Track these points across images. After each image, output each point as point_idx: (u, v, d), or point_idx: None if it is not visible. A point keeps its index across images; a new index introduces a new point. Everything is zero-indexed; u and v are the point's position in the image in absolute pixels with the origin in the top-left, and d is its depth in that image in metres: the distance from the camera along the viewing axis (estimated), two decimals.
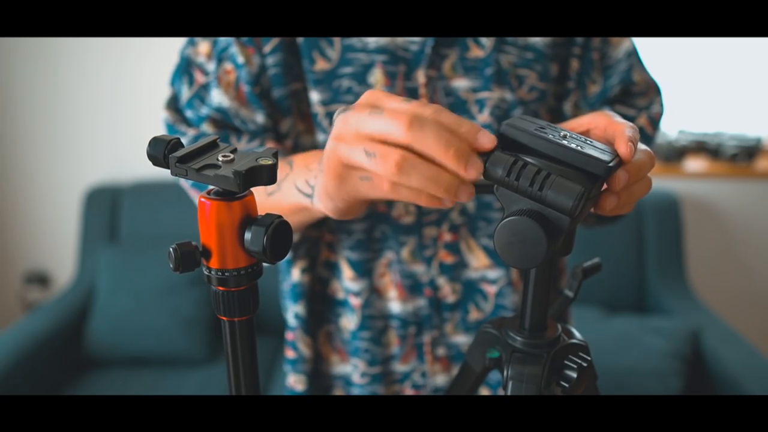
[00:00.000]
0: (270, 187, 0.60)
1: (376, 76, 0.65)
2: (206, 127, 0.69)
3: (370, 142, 0.41)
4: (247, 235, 0.37)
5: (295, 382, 0.76)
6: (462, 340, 0.73)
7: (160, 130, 1.89)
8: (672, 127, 2.20)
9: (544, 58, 0.67)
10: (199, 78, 0.70)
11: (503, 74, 0.66)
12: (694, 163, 2.10)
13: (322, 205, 0.51)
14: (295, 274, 0.74)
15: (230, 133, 0.70)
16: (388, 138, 0.41)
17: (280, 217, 0.38)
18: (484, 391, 0.75)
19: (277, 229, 0.37)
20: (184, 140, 0.65)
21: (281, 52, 0.66)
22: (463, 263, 0.71)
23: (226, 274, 0.38)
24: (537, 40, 0.67)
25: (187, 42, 0.71)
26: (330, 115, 0.67)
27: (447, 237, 0.70)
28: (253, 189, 0.61)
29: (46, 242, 2.36)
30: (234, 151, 0.38)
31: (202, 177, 0.36)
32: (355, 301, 0.72)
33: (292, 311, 0.75)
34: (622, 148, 0.42)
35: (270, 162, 0.36)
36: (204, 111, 0.69)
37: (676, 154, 2.08)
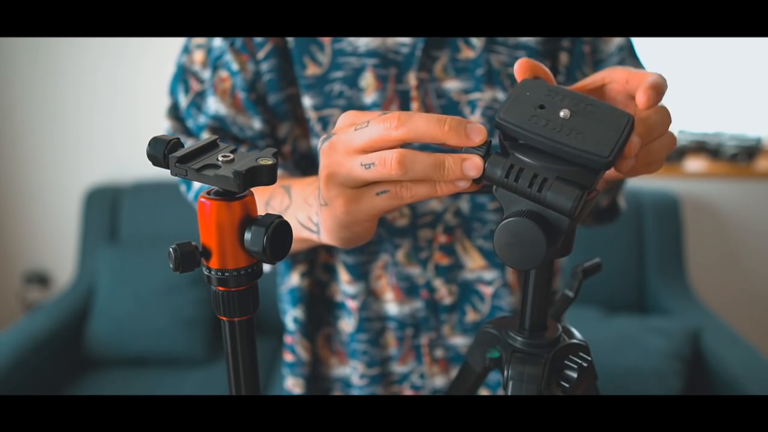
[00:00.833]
0: None
1: (367, 79, 0.65)
2: (205, 136, 0.69)
3: (363, 155, 0.41)
4: (247, 235, 0.37)
5: (293, 385, 0.77)
6: (460, 341, 0.73)
7: (161, 131, 1.89)
8: (672, 127, 2.19)
9: (535, 54, 0.67)
10: (195, 86, 0.70)
11: (494, 74, 0.66)
12: (694, 163, 2.10)
13: (331, 241, 0.50)
14: (294, 279, 0.74)
15: (229, 142, 0.70)
16: (384, 139, 0.40)
17: (280, 217, 0.38)
18: (483, 392, 0.75)
19: (277, 229, 0.37)
20: None
21: (275, 58, 0.66)
22: (458, 264, 0.71)
23: (226, 274, 0.38)
24: (527, 38, 0.67)
25: (181, 51, 0.72)
26: (322, 120, 0.67)
27: (442, 239, 0.70)
28: None
29: (46, 242, 2.36)
30: (234, 151, 0.38)
31: (202, 177, 0.36)
32: (352, 304, 0.72)
33: (291, 315, 0.75)
34: (640, 96, 0.42)
35: (270, 162, 0.36)
36: (202, 120, 0.70)
37: (676, 154, 2.08)
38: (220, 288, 0.38)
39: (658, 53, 2.10)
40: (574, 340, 0.48)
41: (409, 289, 0.72)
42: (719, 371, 1.60)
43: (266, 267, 0.74)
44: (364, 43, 0.65)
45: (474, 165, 0.40)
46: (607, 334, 1.76)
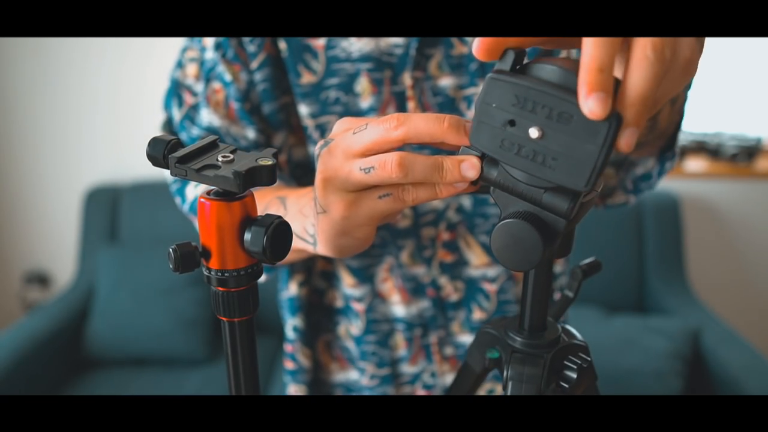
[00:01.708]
0: None
1: (363, 84, 0.65)
2: None
3: (362, 159, 0.41)
4: (247, 236, 0.37)
5: (295, 392, 0.77)
6: (468, 339, 0.74)
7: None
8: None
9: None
10: (188, 99, 0.70)
11: (487, 67, 0.66)
12: (694, 163, 2.10)
13: (328, 251, 0.50)
14: (293, 288, 0.75)
15: None
16: (384, 140, 0.40)
17: (279, 217, 0.38)
18: (498, 388, 0.75)
19: (276, 229, 0.37)
20: None
21: (268, 68, 0.66)
22: (462, 261, 0.71)
23: (226, 274, 0.38)
24: None
25: (175, 65, 0.72)
26: (320, 127, 0.67)
27: (445, 236, 0.70)
28: None
29: (46, 242, 2.36)
30: (234, 151, 0.38)
31: (201, 177, 0.36)
32: (358, 307, 0.72)
33: (291, 324, 0.76)
34: (582, 91, 0.31)
35: (270, 162, 0.36)
36: (195, 132, 0.70)
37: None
38: (220, 288, 0.38)
39: None
40: (574, 341, 0.48)
41: (415, 290, 0.72)
42: (719, 371, 1.60)
43: (261, 278, 0.73)
44: (357, 48, 0.65)
45: (472, 166, 0.39)
46: (607, 334, 1.76)
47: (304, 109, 0.67)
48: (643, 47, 0.32)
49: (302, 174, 0.71)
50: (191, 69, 0.70)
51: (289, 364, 0.77)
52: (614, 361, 1.67)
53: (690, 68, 0.35)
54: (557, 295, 0.80)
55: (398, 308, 0.72)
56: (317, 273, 0.75)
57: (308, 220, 0.52)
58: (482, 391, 0.76)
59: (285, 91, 0.68)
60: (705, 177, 2.13)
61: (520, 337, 0.47)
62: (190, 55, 0.70)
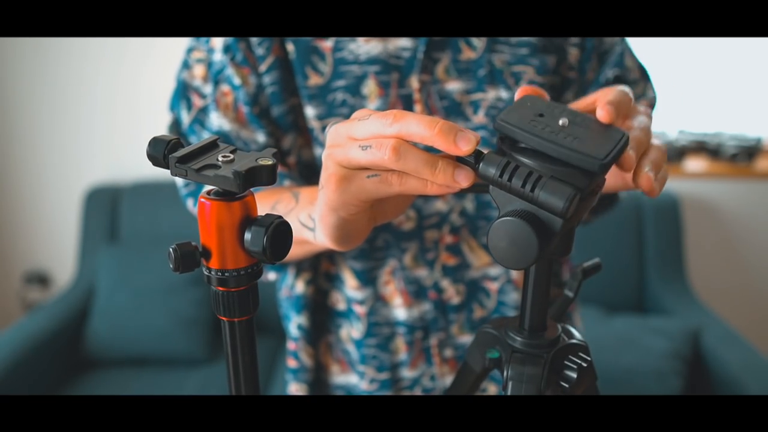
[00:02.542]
0: None
1: (370, 87, 0.65)
2: None
3: (363, 140, 0.42)
4: (247, 236, 0.37)
5: (296, 391, 0.77)
6: (468, 340, 0.73)
7: (160, 131, 1.89)
8: (672, 127, 2.20)
9: (538, 51, 0.67)
10: (197, 101, 0.70)
11: (496, 74, 0.66)
12: (694, 163, 2.10)
13: (324, 232, 0.51)
14: (300, 286, 0.74)
15: None
16: (379, 134, 0.42)
17: (280, 217, 0.38)
18: (492, 388, 0.75)
19: (277, 229, 0.37)
20: None
21: (277, 70, 0.66)
22: (465, 264, 0.71)
23: (226, 274, 0.38)
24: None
25: (181, 66, 0.72)
26: (326, 129, 0.67)
27: (448, 239, 0.70)
28: None
29: (46, 242, 2.36)
30: (234, 151, 0.38)
31: (201, 177, 0.36)
32: (360, 310, 0.72)
33: (296, 322, 0.76)
34: (599, 111, 0.43)
35: (270, 162, 0.36)
36: (205, 136, 0.70)
37: (676, 154, 2.08)
38: (220, 288, 0.38)
39: (658, 53, 2.10)
40: (574, 341, 0.48)
41: (417, 292, 0.72)
42: (719, 371, 1.60)
43: (271, 275, 0.74)
44: (365, 50, 0.65)
45: (466, 176, 0.40)
46: (607, 334, 1.76)
47: (310, 111, 0.67)
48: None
49: (311, 175, 0.71)
50: (198, 70, 0.70)
51: (291, 363, 0.77)
52: (614, 361, 1.67)
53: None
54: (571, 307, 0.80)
55: (400, 311, 0.72)
56: (322, 273, 0.75)
57: (314, 207, 0.53)
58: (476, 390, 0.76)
59: (293, 93, 0.68)
60: (705, 177, 2.13)
61: (520, 337, 0.47)
62: (196, 56, 0.70)
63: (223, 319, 0.39)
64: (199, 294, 1.92)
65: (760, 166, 2.07)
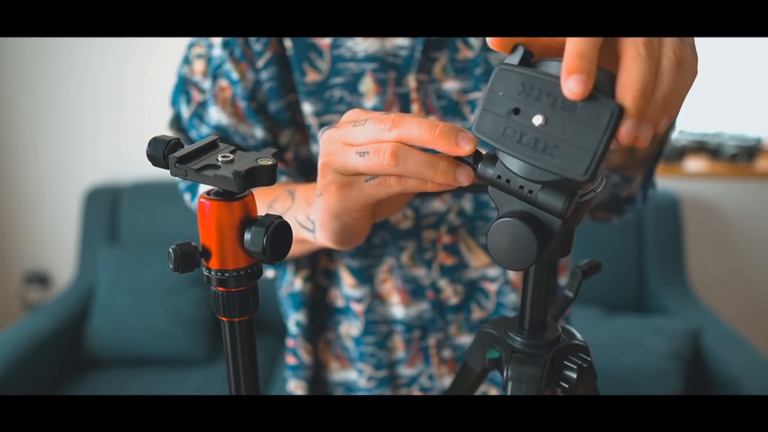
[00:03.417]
0: None
1: (367, 84, 0.65)
2: None
3: (360, 146, 0.42)
4: (247, 236, 0.37)
5: (295, 388, 0.77)
6: (467, 341, 0.73)
7: (161, 131, 1.89)
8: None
9: None
10: (196, 96, 0.70)
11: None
12: (694, 163, 2.10)
13: (325, 236, 0.51)
14: (298, 283, 0.75)
15: None
16: (377, 140, 0.41)
17: (279, 217, 0.38)
18: (492, 391, 0.75)
19: (276, 229, 0.37)
20: None
21: (275, 66, 0.67)
22: (463, 264, 0.71)
23: (226, 274, 0.38)
24: None
25: (181, 61, 0.72)
26: (323, 126, 0.67)
27: (446, 239, 0.70)
28: None
29: (46, 242, 2.36)
30: (233, 151, 0.38)
31: (201, 177, 0.36)
32: (357, 307, 0.72)
33: (294, 319, 0.76)
34: (567, 84, 0.33)
35: (270, 162, 0.36)
36: (204, 130, 0.70)
37: (676, 154, 2.08)
38: (220, 288, 0.38)
39: None
40: (574, 341, 0.48)
41: (414, 291, 0.72)
42: (719, 371, 1.60)
43: (269, 272, 0.74)
44: (362, 48, 0.65)
45: (467, 175, 0.40)
46: (607, 334, 1.76)
47: (307, 108, 0.67)
48: (633, 44, 0.34)
49: (308, 171, 0.72)
50: (198, 65, 0.70)
51: (290, 359, 0.77)
52: (614, 361, 1.67)
53: (684, 67, 0.36)
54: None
55: (397, 309, 0.72)
56: (320, 271, 0.75)
57: (312, 208, 0.53)
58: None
59: (291, 89, 0.68)
60: (705, 177, 2.13)
61: (520, 337, 0.47)
62: (197, 52, 0.71)
63: (223, 319, 0.39)
64: (199, 294, 1.92)
65: (760, 166, 2.07)
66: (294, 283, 0.75)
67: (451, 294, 0.72)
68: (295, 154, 0.71)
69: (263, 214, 0.38)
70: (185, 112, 0.71)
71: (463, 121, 0.67)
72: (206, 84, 0.70)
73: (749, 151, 2.05)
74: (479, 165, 0.40)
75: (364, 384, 0.74)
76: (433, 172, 0.40)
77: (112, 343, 1.86)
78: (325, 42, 0.65)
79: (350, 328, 0.74)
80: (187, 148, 0.37)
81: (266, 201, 0.61)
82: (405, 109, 0.66)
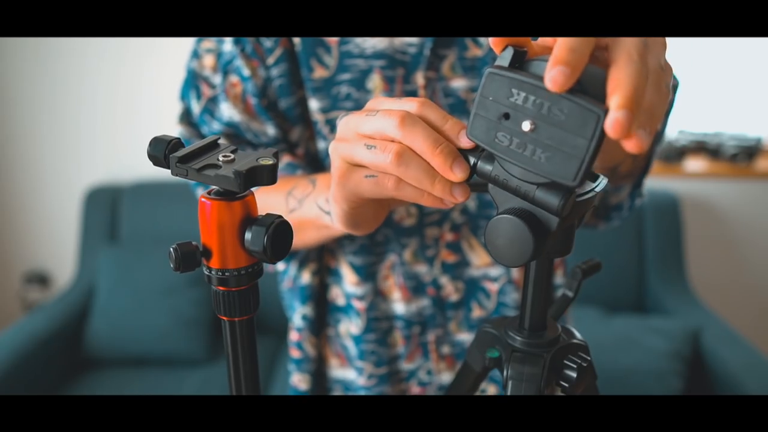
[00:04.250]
0: (292, 204, 0.61)
1: (375, 81, 0.65)
2: (222, 143, 0.69)
3: (370, 139, 0.42)
4: (248, 235, 0.37)
5: (299, 381, 0.77)
6: (466, 338, 0.74)
7: (161, 131, 1.89)
8: (672, 127, 2.20)
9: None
10: (206, 91, 0.70)
11: None
12: (694, 163, 2.10)
13: (335, 217, 0.51)
14: (306, 277, 0.75)
15: (245, 147, 0.70)
16: (384, 135, 0.42)
17: (280, 217, 0.38)
18: (491, 388, 0.75)
19: (277, 228, 0.37)
20: None
21: (285, 62, 0.66)
22: (464, 262, 0.72)
23: (227, 274, 0.38)
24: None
25: (190, 55, 0.72)
26: (330, 123, 0.67)
27: (448, 236, 0.70)
28: (274, 205, 0.61)
29: (46, 242, 2.36)
30: (234, 151, 0.38)
31: (202, 177, 0.36)
32: (359, 305, 0.72)
33: (300, 312, 0.76)
34: (549, 83, 0.32)
35: (270, 162, 0.37)
36: (216, 126, 0.70)
37: (676, 154, 2.08)
38: (221, 288, 0.39)
39: None
40: (574, 340, 0.48)
41: (415, 288, 0.72)
42: (719, 371, 1.60)
43: (280, 265, 0.74)
44: (371, 44, 0.65)
45: (462, 192, 0.41)
46: (607, 334, 1.76)
47: (314, 104, 0.67)
48: (626, 48, 0.34)
49: (317, 168, 0.72)
50: (208, 60, 0.70)
51: (294, 353, 0.77)
52: (614, 361, 1.67)
53: (667, 80, 0.37)
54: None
55: (398, 305, 0.73)
56: (324, 267, 0.75)
57: (331, 191, 0.53)
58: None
59: (300, 86, 0.68)
60: (705, 177, 2.13)
61: (520, 337, 0.47)
62: (206, 46, 0.70)
63: (224, 318, 0.39)
64: (199, 294, 1.92)
65: (760, 166, 2.07)
66: (301, 276, 0.75)
67: (451, 291, 0.72)
68: (306, 150, 0.71)
69: (264, 214, 0.38)
70: (195, 107, 0.71)
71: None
72: (216, 79, 0.70)
73: (749, 151, 2.05)
74: (479, 162, 0.40)
75: (364, 382, 0.74)
76: (431, 183, 0.41)
77: (112, 343, 1.86)
78: (332, 38, 0.65)
79: (350, 327, 0.74)
80: (188, 148, 0.37)
81: (285, 188, 0.61)
82: None
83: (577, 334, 0.49)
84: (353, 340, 0.74)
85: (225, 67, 0.68)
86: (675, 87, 0.61)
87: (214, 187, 0.37)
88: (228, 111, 0.69)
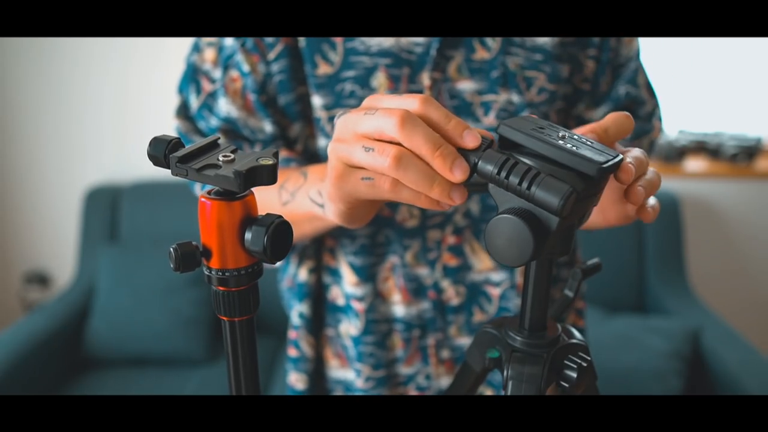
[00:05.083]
0: (284, 197, 0.61)
1: (380, 79, 0.65)
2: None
3: (368, 140, 0.42)
4: (248, 235, 0.37)
5: (296, 381, 0.76)
6: (466, 342, 0.73)
7: (161, 130, 1.89)
8: (672, 127, 2.20)
9: (552, 59, 0.66)
10: (206, 86, 0.70)
11: (510, 76, 0.65)
12: (694, 163, 2.10)
13: (330, 212, 0.51)
14: (303, 274, 0.74)
15: (243, 143, 0.70)
16: (383, 135, 0.41)
17: (280, 217, 0.38)
18: (488, 392, 0.75)
19: (277, 228, 0.37)
20: None
21: (286, 58, 0.66)
22: (466, 266, 0.71)
23: (227, 274, 0.38)
24: (545, 41, 0.66)
25: (191, 48, 0.71)
26: (332, 120, 0.67)
27: (451, 240, 0.70)
28: (267, 199, 0.61)
29: (46, 242, 2.36)
30: (234, 151, 0.38)
31: (202, 177, 0.36)
32: (358, 306, 0.72)
33: (297, 310, 0.75)
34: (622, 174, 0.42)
35: (270, 162, 0.36)
36: (213, 122, 0.70)
37: (676, 154, 2.08)
38: (221, 288, 0.39)
39: (659, 53, 2.10)
40: (574, 340, 0.48)
41: (416, 290, 0.71)
42: (719, 371, 1.60)
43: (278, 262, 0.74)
44: (377, 42, 0.64)
45: (461, 194, 0.41)
46: (607, 334, 1.76)
47: (317, 100, 0.66)
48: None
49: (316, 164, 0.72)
50: (209, 54, 0.70)
51: (291, 351, 0.77)
52: (614, 361, 1.67)
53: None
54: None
55: (398, 308, 0.72)
56: (323, 267, 0.75)
57: (324, 184, 0.53)
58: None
59: (301, 82, 0.68)
60: (705, 177, 2.13)
61: (520, 337, 0.47)
62: (208, 39, 0.70)
63: (224, 318, 0.39)
64: (199, 294, 1.92)
65: (760, 166, 2.07)
66: (299, 274, 0.75)
67: (452, 295, 0.71)
68: (305, 147, 0.71)
69: (264, 214, 0.38)
70: (194, 102, 0.71)
71: (476, 122, 0.67)
72: (217, 73, 0.69)
73: (749, 151, 2.05)
74: (480, 161, 0.40)
75: (361, 385, 0.74)
76: (429, 186, 0.41)
77: (112, 343, 1.86)
78: None
79: (350, 328, 0.74)
80: (188, 148, 0.37)
81: (278, 182, 0.61)
82: None
83: (577, 335, 0.49)
84: (352, 341, 0.74)
85: (226, 62, 0.68)
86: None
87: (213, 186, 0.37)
88: (226, 107, 0.68)
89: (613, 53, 0.70)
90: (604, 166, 0.38)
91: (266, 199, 0.62)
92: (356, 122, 0.43)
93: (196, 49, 0.71)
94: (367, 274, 0.71)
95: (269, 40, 0.66)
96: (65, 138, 2.24)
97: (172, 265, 0.37)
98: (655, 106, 0.75)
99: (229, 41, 0.68)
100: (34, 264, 2.39)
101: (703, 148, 2.13)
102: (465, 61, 0.66)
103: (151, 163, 0.38)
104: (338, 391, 0.78)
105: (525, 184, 0.38)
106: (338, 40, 0.65)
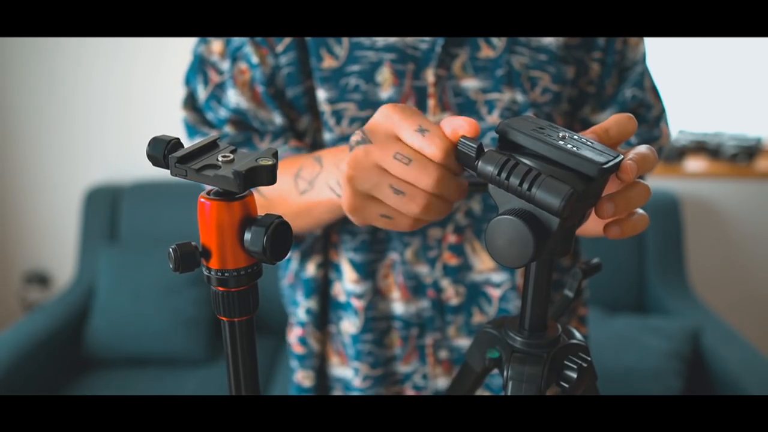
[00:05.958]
0: (302, 186, 0.60)
1: (384, 74, 0.65)
2: (228, 129, 0.69)
3: (397, 181, 0.45)
4: (247, 236, 0.37)
5: (303, 378, 0.76)
6: (465, 343, 0.73)
7: (161, 130, 1.89)
8: (672, 127, 2.20)
9: (557, 60, 0.66)
10: (214, 77, 0.70)
11: (514, 75, 0.65)
12: (694, 163, 2.10)
13: (346, 205, 0.52)
14: (311, 269, 0.74)
15: (252, 134, 0.70)
16: (416, 185, 0.45)
17: (279, 217, 0.38)
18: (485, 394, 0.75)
19: (276, 229, 0.37)
20: None
21: (294, 51, 0.66)
22: (467, 265, 0.71)
23: (226, 274, 0.38)
24: (550, 42, 0.66)
25: (199, 40, 0.71)
26: (336, 114, 0.67)
27: (451, 238, 0.70)
28: (283, 188, 0.61)
29: (46, 242, 2.36)
30: (234, 151, 0.38)
31: (201, 177, 0.36)
32: (357, 304, 0.72)
33: (304, 306, 0.75)
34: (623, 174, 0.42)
35: (270, 162, 0.36)
36: (223, 113, 0.69)
37: (676, 154, 2.08)
38: (220, 288, 0.38)
39: (659, 53, 2.10)
40: (574, 340, 0.48)
41: (415, 288, 0.71)
42: (719, 371, 1.60)
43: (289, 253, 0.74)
44: (382, 37, 0.64)
45: (462, 192, 0.47)
46: (607, 334, 1.76)
47: (322, 94, 0.67)
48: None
49: None
50: (216, 45, 0.69)
51: (298, 349, 0.76)
52: (614, 361, 1.67)
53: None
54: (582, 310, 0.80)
55: (397, 305, 0.72)
56: (330, 262, 0.75)
57: (340, 171, 0.54)
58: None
59: (309, 75, 0.68)
60: (705, 177, 2.13)
61: (520, 337, 0.47)
62: None
63: (223, 319, 0.39)
64: (199, 294, 1.92)
65: (760, 166, 2.07)
66: (305, 270, 0.75)
67: (452, 294, 0.71)
68: (313, 140, 0.71)
69: (263, 214, 0.38)
70: (201, 93, 0.70)
71: (480, 121, 0.67)
72: (224, 65, 0.69)
73: (749, 151, 2.05)
74: (480, 162, 0.40)
75: (359, 384, 0.74)
76: (441, 215, 0.47)
77: (112, 343, 1.86)
78: None
79: (349, 327, 0.74)
80: (188, 148, 0.37)
81: (291, 171, 0.61)
82: (421, 103, 0.66)
83: (578, 335, 0.49)
84: (351, 338, 0.74)
85: (234, 53, 0.68)
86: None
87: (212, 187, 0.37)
88: (235, 98, 0.68)
89: (618, 56, 0.69)
90: (605, 166, 0.38)
91: (282, 189, 0.61)
92: (383, 161, 0.45)
93: (203, 40, 0.70)
94: (366, 271, 0.71)
95: None
96: (65, 138, 2.24)
97: (171, 266, 0.37)
98: (662, 110, 0.74)
99: None
100: (34, 264, 2.39)
101: (703, 148, 2.13)
102: (470, 59, 0.66)
103: (150, 164, 0.38)
104: (337, 390, 0.77)
105: (525, 185, 0.38)
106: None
